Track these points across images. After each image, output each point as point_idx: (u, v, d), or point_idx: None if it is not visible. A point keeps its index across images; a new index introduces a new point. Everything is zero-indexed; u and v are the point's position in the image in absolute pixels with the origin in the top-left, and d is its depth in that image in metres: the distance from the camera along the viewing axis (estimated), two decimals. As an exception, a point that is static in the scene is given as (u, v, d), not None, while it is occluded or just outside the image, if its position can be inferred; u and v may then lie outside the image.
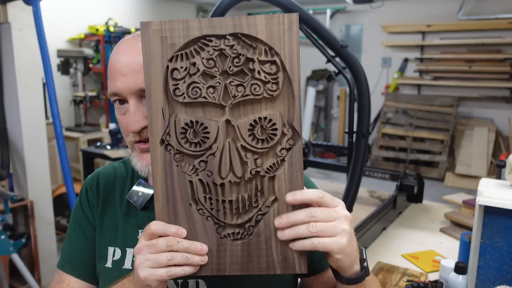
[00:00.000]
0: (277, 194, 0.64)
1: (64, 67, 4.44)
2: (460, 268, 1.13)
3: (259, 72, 0.61)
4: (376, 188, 2.24)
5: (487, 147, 5.23)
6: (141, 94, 0.74)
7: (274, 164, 0.64)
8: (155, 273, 0.61)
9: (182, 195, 0.65)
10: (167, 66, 0.63)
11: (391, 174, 2.12)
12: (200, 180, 0.65)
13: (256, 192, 0.65)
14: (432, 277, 1.40)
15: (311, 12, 1.60)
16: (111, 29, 4.91)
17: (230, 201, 0.65)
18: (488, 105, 5.54)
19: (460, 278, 1.12)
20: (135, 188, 0.85)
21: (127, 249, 0.81)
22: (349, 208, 1.51)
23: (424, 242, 1.67)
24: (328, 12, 6.28)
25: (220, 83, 0.62)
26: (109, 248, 0.82)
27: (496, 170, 5.18)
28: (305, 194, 0.62)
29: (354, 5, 5.35)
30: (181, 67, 0.62)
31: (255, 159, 0.64)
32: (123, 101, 0.76)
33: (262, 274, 0.66)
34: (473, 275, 1.10)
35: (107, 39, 4.86)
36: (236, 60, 0.62)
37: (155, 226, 0.63)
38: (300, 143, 0.64)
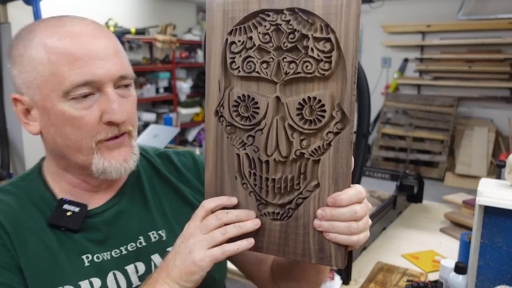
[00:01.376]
0: (319, 179, 0.62)
1: (64, 67, 4.44)
2: (460, 268, 1.13)
3: (312, 50, 0.59)
4: (376, 188, 2.24)
5: (487, 147, 5.23)
6: (118, 82, 0.69)
7: (319, 147, 0.61)
8: (210, 253, 0.60)
9: (230, 167, 0.66)
10: (226, 39, 0.63)
11: (391, 174, 2.12)
12: (246, 154, 0.65)
13: (300, 175, 0.63)
14: (432, 277, 1.40)
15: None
16: (111, 29, 4.91)
17: (273, 180, 0.64)
18: (488, 105, 5.54)
19: (460, 278, 1.12)
20: (58, 209, 0.70)
21: (80, 283, 0.68)
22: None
23: (424, 242, 1.67)
24: (328, 12, 6.27)
25: (273, 59, 0.61)
26: None
27: (496, 170, 5.17)
28: (347, 200, 0.60)
29: (354, 5, 5.33)
30: (239, 41, 0.63)
31: (301, 140, 0.62)
32: (87, 93, 0.66)
33: (297, 259, 0.65)
34: (473, 275, 1.10)
35: (107, 39, 4.86)
36: (291, 36, 0.60)
37: (206, 203, 0.64)
38: (349, 128, 0.60)
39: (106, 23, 5.08)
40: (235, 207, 0.66)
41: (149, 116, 5.53)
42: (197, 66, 6.42)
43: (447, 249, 1.60)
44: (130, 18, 5.61)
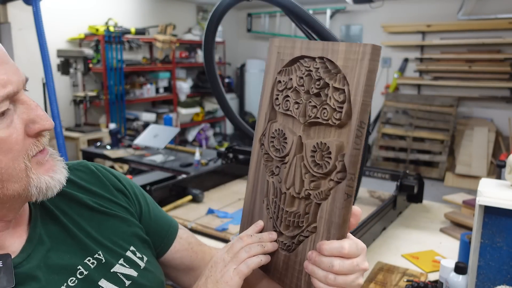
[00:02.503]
0: (317, 223, 0.65)
1: (64, 67, 4.45)
2: (460, 268, 1.13)
3: (330, 98, 0.62)
4: (376, 188, 2.24)
5: (487, 147, 5.23)
6: (24, 87, 0.59)
7: (322, 192, 0.64)
8: (238, 270, 0.65)
9: (261, 190, 0.72)
10: (276, 78, 0.70)
11: (391, 174, 2.12)
12: (273, 183, 0.70)
13: (305, 214, 0.66)
14: (432, 277, 1.40)
15: (311, 12, 1.60)
16: (111, 29, 4.92)
17: (287, 212, 0.68)
18: (488, 105, 5.54)
19: (460, 278, 1.12)
20: None
21: None
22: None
23: (424, 242, 1.67)
24: (328, 12, 6.28)
25: (302, 101, 0.66)
26: None
27: (496, 170, 5.17)
28: (327, 251, 0.61)
29: (354, 5, 5.35)
30: (283, 81, 0.68)
31: (310, 181, 0.65)
32: (6, 109, 0.56)
33: None
34: (473, 275, 1.10)
35: (107, 39, 4.86)
36: (317, 82, 0.64)
37: (236, 240, 0.69)
38: (346, 181, 0.60)
39: (106, 23, 5.08)
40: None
41: (149, 116, 5.53)
42: (197, 66, 6.43)
43: (447, 249, 1.60)
44: (130, 18, 5.61)
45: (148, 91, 5.60)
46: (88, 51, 4.94)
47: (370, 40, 6.14)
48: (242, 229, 0.77)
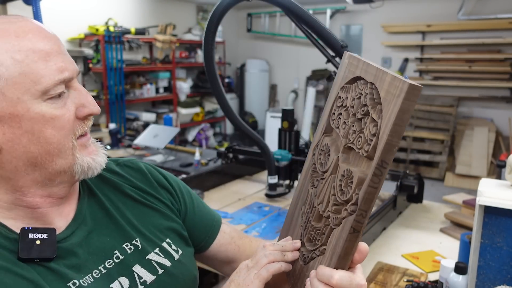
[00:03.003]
0: (327, 246, 0.66)
1: (64, 67, 4.43)
2: (460, 268, 1.13)
3: (366, 128, 0.60)
4: (376, 188, 2.24)
5: (487, 147, 5.23)
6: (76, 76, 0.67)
7: (338, 217, 0.63)
8: (258, 274, 0.68)
9: (303, 197, 0.74)
10: (338, 93, 0.70)
11: (391, 174, 2.12)
12: (311, 194, 0.72)
13: (322, 234, 0.68)
14: (432, 277, 1.40)
15: (311, 12, 1.60)
16: (111, 29, 4.92)
17: (312, 226, 0.70)
18: (488, 105, 5.54)
19: (460, 278, 1.12)
20: (24, 241, 0.62)
21: None
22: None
23: (424, 242, 1.67)
24: (328, 12, 6.28)
25: (348, 123, 0.65)
26: None
27: (496, 170, 5.17)
28: (320, 276, 0.63)
29: (354, 5, 5.35)
30: (341, 97, 0.68)
31: (333, 204, 0.64)
32: (62, 91, 0.63)
33: None
34: (473, 275, 1.10)
35: (107, 39, 4.86)
36: (363, 108, 0.62)
37: (260, 249, 0.73)
38: (355, 216, 0.59)
39: (106, 23, 5.08)
40: (295, 226, 0.75)
41: (149, 116, 5.53)
42: (197, 66, 6.43)
43: (447, 249, 1.60)
44: (130, 18, 5.61)
45: (148, 91, 5.60)
46: (88, 51, 4.94)
47: (370, 40, 6.15)
48: (282, 229, 0.80)
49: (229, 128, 7.20)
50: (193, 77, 6.58)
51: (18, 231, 0.64)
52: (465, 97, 5.59)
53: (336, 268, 0.62)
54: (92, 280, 0.68)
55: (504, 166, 1.17)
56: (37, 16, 2.16)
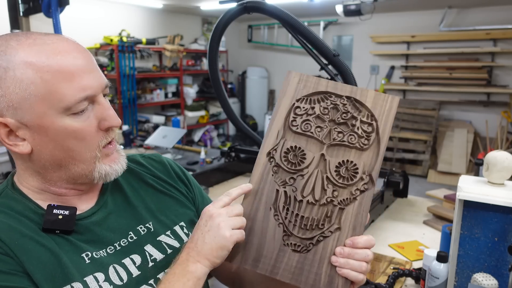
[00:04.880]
0: (341, 224, 0.70)
1: (81, 74, 4.43)
2: (442, 257, 1.13)
3: (358, 128, 0.72)
4: (365, 184, 2.24)
5: (466, 147, 5.23)
6: (104, 91, 0.67)
7: (347, 199, 0.70)
8: (236, 232, 0.66)
9: (267, 199, 0.72)
10: (294, 103, 0.74)
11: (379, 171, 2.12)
12: (285, 192, 0.72)
13: (325, 217, 0.70)
14: (416, 265, 1.40)
15: (306, 24, 1.60)
16: (124, 39, 4.91)
17: (302, 217, 0.71)
18: (467, 109, 5.53)
19: (442, 266, 1.12)
20: (49, 215, 0.66)
21: (85, 279, 0.65)
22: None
23: (409, 233, 1.67)
24: (322, 24, 6.28)
25: (327, 127, 0.73)
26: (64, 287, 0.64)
27: (474, 168, 5.19)
28: (362, 244, 0.67)
29: (345, 18, 5.34)
30: (303, 107, 0.74)
31: (333, 191, 0.71)
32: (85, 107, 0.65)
33: None
34: (453, 263, 1.10)
35: (121, 49, 4.86)
36: (344, 114, 0.73)
37: (231, 191, 0.69)
38: (372, 190, 0.70)
39: (120, 34, 5.08)
40: (263, 231, 0.71)
41: (159, 119, 5.52)
42: (202, 73, 6.43)
43: (430, 240, 1.60)
44: (142, 29, 5.61)
45: (158, 96, 5.60)
46: (103, 60, 4.94)
47: (359, 49, 6.15)
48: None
49: (231, 129, 7.19)
50: (198, 83, 6.57)
51: (45, 208, 0.69)
52: (446, 101, 5.58)
53: (360, 234, 0.69)
54: (105, 254, 0.70)
55: (481, 164, 1.16)
56: (56, 28, 2.15)
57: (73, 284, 0.64)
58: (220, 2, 1.86)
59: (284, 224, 0.71)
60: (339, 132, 0.72)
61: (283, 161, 0.73)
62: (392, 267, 1.37)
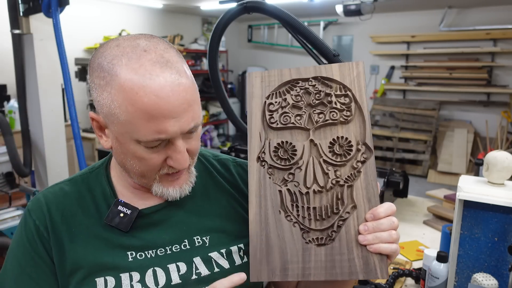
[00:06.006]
0: (355, 201, 0.67)
1: (81, 74, 4.44)
2: (442, 257, 1.13)
3: (335, 103, 0.71)
4: (365, 184, 2.24)
5: (466, 147, 5.23)
6: (188, 132, 0.66)
7: (351, 174, 0.68)
8: None
9: (273, 203, 0.69)
10: (265, 102, 0.73)
11: (379, 171, 2.12)
12: (288, 190, 0.69)
13: (337, 200, 0.68)
14: (416, 265, 1.40)
15: (306, 24, 1.60)
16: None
17: (314, 208, 0.68)
18: (467, 109, 5.54)
19: (442, 266, 1.12)
20: (114, 209, 0.72)
21: (121, 275, 0.68)
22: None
23: (409, 233, 1.67)
24: (322, 24, 6.28)
25: (305, 112, 0.72)
26: (98, 279, 0.68)
27: (474, 168, 5.18)
28: (384, 213, 0.64)
29: (345, 18, 5.34)
30: (276, 102, 0.73)
31: (335, 171, 0.69)
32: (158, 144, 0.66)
33: (345, 279, 0.66)
34: (453, 263, 1.10)
35: (121, 49, 4.85)
36: (317, 95, 0.72)
37: (219, 284, 0.63)
38: (372, 157, 0.69)
39: (120, 34, 5.07)
40: (281, 238, 0.67)
41: (159, 119, 5.51)
42: (202, 73, 6.43)
43: (430, 240, 1.60)
44: (142, 29, 5.61)
45: (158, 96, 5.58)
46: (103, 60, 4.91)
47: (360, 49, 6.15)
48: (255, 248, 0.68)
49: (231, 129, 7.20)
50: (198, 83, 6.58)
51: (120, 197, 0.74)
52: (446, 101, 5.58)
53: (377, 203, 0.66)
54: (153, 255, 0.71)
55: (481, 164, 1.17)
56: (57, 28, 2.15)
57: (107, 277, 0.68)
58: (220, 2, 1.86)
59: (299, 221, 0.67)
60: (319, 113, 0.71)
61: (275, 161, 0.70)
62: (392, 267, 1.37)
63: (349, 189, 0.68)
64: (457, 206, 1.07)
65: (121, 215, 0.71)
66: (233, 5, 1.61)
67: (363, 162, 0.68)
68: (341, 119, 0.70)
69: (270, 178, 0.70)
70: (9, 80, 3.66)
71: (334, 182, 0.68)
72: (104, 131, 0.70)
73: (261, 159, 0.71)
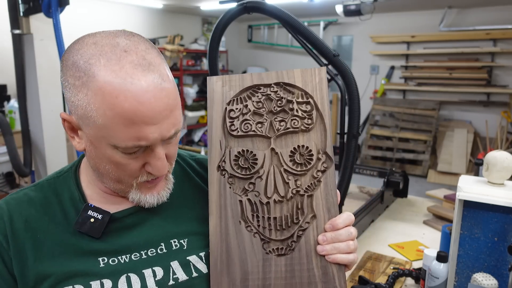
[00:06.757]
0: (315, 211, 0.67)
1: (82, 74, 4.43)
2: (442, 257, 1.13)
3: (297, 110, 0.69)
4: (365, 184, 2.24)
5: (466, 147, 5.23)
6: (168, 138, 0.64)
7: (312, 184, 0.68)
8: None
9: (233, 213, 0.68)
10: (225, 108, 0.71)
11: (379, 172, 2.12)
12: (248, 199, 0.68)
13: (297, 210, 0.67)
14: (416, 265, 1.40)
15: (306, 24, 1.60)
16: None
17: (275, 218, 0.67)
18: (467, 109, 5.54)
19: (442, 266, 1.12)
20: (83, 214, 0.68)
21: (91, 283, 0.64)
22: (341, 202, 1.51)
23: (409, 233, 1.67)
24: (322, 24, 6.28)
25: (266, 120, 0.70)
26: None
27: (474, 168, 5.18)
28: (342, 223, 0.65)
29: (345, 18, 5.34)
30: (237, 108, 0.70)
31: (295, 181, 0.68)
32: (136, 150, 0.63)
33: None
34: (453, 263, 1.10)
35: (121, 49, 4.85)
36: (279, 102, 0.70)
37: None
38: (333, 166, 0.68)
39: (120, 34, 5.07)
40: (241, 248, 0.67)
41: (159, 119, 5.51)
42: (202, 73, 6.43)
43: (430, 240, 1.60)
44: (142, 29, 5.61)
45: (158, 96, 5.58)
46: (103, 60, 4.91)
47: (360, 49, 6.15)
48: (215, 259, 0.67)
49: (231, 129, 7.19)
50: (198, 83, 6.57)
51: (90, 202, 0.70)
52: (446, 101, 5.59)
53: (337, 214, 0.67)
54: (127, 260, 0.67)
55: (481, 164, 1.16)
56: (57, 27, 2.16)
57: (76, 286, 0.63)
58: (220, 2, 1.86)
59: (259, 232, 0.67)
60: (280, 121, 0.69)
61: (235, 170, 0.68)
62: (392, 267, 1.37)
63: (309, 198, 0.67)
64: (457, 206, 1.07)
65: (92, 220, 0.67)
66: (233, 5, 1.61)
67: (323, 172, 0.68)
68: (302, 127, 0.69)
69: (230, 188, 0.68)
70: (9, 80, 3.67)
71: (294, 191, 0.67)
72: (77, 132, 0.66)
73: (222, 168, 0.69)
